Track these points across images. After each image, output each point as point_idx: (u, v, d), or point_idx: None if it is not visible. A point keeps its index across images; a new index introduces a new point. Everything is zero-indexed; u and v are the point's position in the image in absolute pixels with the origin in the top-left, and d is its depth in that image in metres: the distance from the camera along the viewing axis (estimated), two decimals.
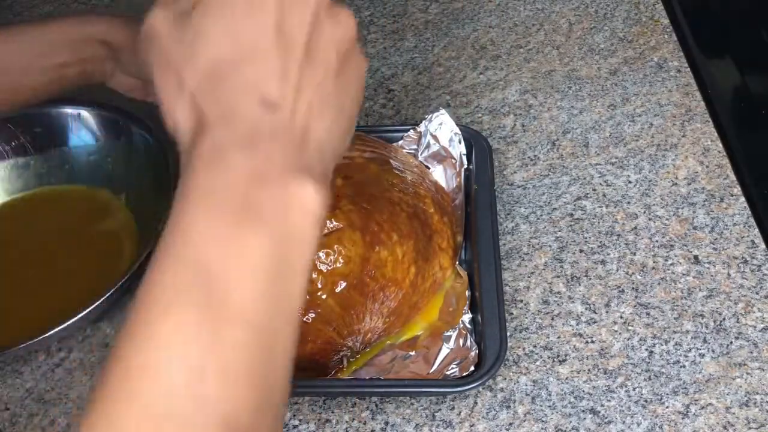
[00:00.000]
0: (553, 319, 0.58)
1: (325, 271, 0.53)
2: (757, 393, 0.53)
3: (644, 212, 0.64)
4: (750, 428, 0.51)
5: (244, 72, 0.31)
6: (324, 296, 0.53)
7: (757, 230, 0.61)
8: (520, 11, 0.83)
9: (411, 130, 0.66)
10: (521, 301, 0.59)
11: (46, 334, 0.53)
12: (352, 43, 0.33)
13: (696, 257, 0.60)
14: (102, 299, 0.54)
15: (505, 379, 0.55)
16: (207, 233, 0.28)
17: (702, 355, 0.55)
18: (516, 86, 0.75)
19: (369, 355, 0.56)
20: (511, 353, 0.56)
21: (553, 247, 0.62)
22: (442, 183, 0.65)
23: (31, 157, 0.69)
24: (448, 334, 0.55)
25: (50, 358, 0.59)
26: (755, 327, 0.56)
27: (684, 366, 0.54)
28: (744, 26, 0.81)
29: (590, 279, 0.60)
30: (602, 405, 0.53)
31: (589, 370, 0.55)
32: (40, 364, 0.59)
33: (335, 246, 0.53)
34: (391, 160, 0.61)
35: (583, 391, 0.54)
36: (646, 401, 0.53)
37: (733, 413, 0.52)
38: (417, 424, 0.53)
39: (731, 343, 0.55)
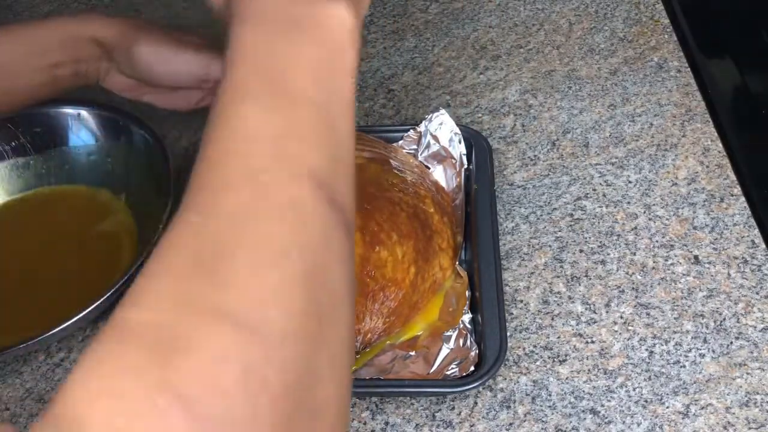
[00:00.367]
0: (553, 319, 0.58)
1: None
2: (758, 393, 0.52)
3: (644, 212, 0.64)
4: (750, 428, 0.51)
5: None
6: None
7: (757, 230, 0.61)
8: (520, 11, 0.83)
9: (411, 130, 0.66)
10: (521, 301, 0.59)
11: (46, 334, 0.53)
12: None
13: (696, 257, 0.60)
14: (102, 299, 0.54)
15: (505, 379, 0.55)
16: (263, 47, 0.34)
17: (702, 355, 0.55)
18: (516, 86, 0.75)
19: (369, 355, 0.56)
20: (511, 353, 0.56)
21: (553, 247, 0.62)
22: (442, 183, 0.65)
23: (31, 157, 0.69)
24: (448, 334, 0.55)
25: (50, 358, 0.59)
26: (755, 327, 0.56)
27: (684, 366, 0.54)
28: (744, 26, 0.81)
29: (590, 279, 0.60)
30: (602, 405, 0.53)
31: (589, 370, 0.55)
32: (40, 364, 0.59)
33: None
34: (391, 160, 0.61)
35: (583, 391, 0.54)
36: (646, 401, 0.53)
37: (734, 413, 0.52)
38: (417, 424, 0.53)
39: (731, 343, 0.55)
